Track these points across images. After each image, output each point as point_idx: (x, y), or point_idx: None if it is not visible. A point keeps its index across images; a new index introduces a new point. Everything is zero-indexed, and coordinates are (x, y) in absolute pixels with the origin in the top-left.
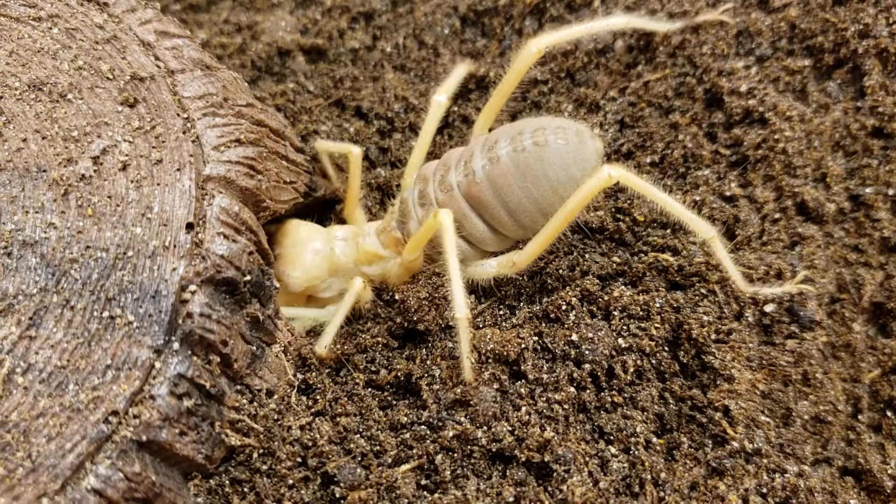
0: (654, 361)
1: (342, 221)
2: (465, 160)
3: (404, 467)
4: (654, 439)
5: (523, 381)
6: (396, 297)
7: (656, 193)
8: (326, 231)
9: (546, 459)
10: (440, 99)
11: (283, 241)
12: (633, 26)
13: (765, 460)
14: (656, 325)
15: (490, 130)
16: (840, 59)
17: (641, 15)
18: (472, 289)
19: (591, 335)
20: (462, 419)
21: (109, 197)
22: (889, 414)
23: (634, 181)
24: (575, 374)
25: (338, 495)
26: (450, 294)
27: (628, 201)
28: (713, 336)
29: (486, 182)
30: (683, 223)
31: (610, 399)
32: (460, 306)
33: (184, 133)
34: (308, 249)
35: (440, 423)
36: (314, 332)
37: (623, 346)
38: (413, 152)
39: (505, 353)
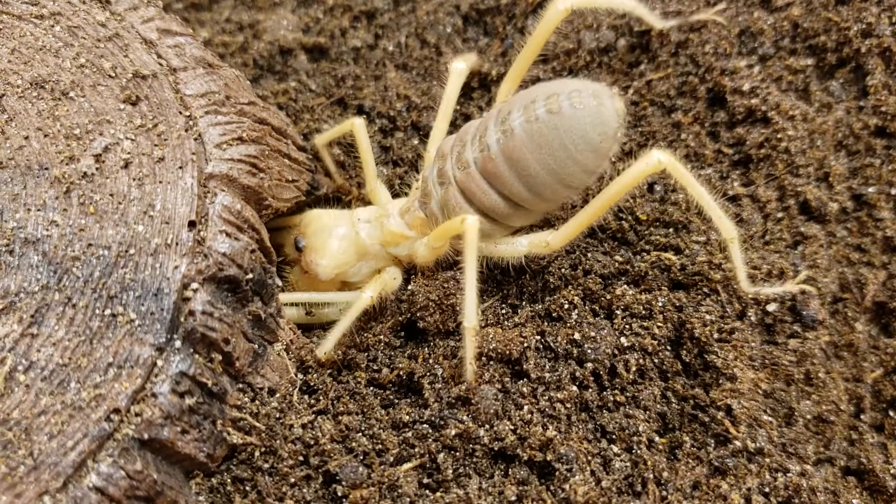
0: (656, 360)
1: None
2: (479, 134)
3: (406, 466)
4: (657, 438)
5: (525, 379)
6: (409, 287)
7: (697, 188)
8: (350, 214)
9: (548, 458)
10: (460, 66)
11: (307, 232)
12: (638, 13)
13: (767, 460)
14: (659, 324)
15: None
16: (843, 58)
17: (648, 7)
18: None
19: (593, 334)
20: (464, 418)
21: (111, 195)
22: (892, 414)
23: (680, 170)
24: (577, 373)
25: (339, 494)
26: (462, 301)
27: (631, 200)
28: (716, 335)
29: (501, 157)
30: (711, 218)
31: (612, 398)
32: (470, 316)
33: (186, 131)
34: (333, 236)
35: (442, 422)
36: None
37: (625, 345)
38: (435, 125)
39: (507, 352)
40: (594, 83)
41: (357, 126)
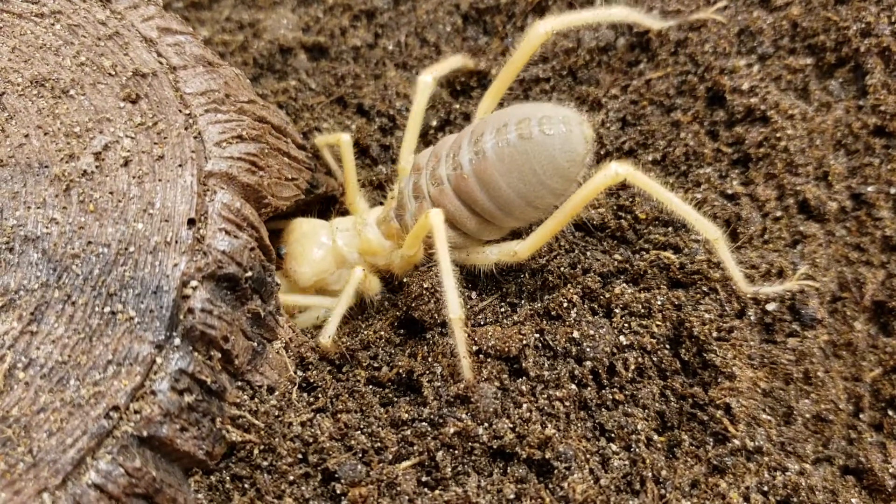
0: (655, 359)
1: (345, 213)
2: (454, 152)
3: (405, 464)
4: (656, 437)
5: (524, 378)
6: (404, 281)
7: (663, 192)
8: (329, 224)
9: (547, 456)
10: (426, 79)
11: (288, 239)
12: (631, 20)
13: (766, 458)
14: (658, 322)
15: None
16: (842, 57)
17: (640, 11)
18: (475, 277)
19: (592, 332)
20: (463, 416)
21: (111, 193)
22: (890, 413)
23: (642, 179)
24: (576, 372)
25: (338, 492)
26: (443, 295)
27: (630, 199)
28: (714, 334)
29: (473, 177)
30: (689, 223)
31: (611, 396)
32: (454, 307)
33: (186, 129)
34: (313, 244)
35: (441, 420)
36: (316, 329)
37: (624, 343)
38: (404, 139)
39: (506, 350)
40: (565, 108)
41: (344, 142)
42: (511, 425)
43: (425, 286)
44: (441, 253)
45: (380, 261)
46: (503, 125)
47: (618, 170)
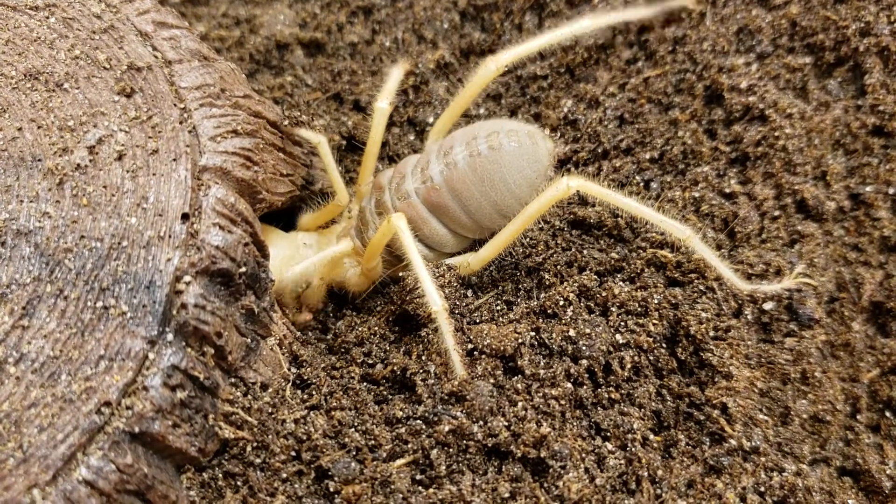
0: (651, 358)
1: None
2: (421, 167)
3: (399, 462)
4: (652, 436)
5: (520, 376)
6: (400, 274)
7: (621, 199)
8: (294, 237)
9: (542, 455)
10: (382, 105)
11: None
12: (599, 26)
13: (762, 459)
14: (654, 321)
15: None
16: (841, 56)
17: (608, 9)
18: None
19: (588, 331)
20: (458, 414)
21: (105, 187)
22: (888, 414)
23: (595, 189)
24: (572, 370)
25: (332, 489)
26: (421, 290)
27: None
28: (711, 333)
29: (445, 187)
30: (657, 227)
31: (607, 395)
32: (435, 299)
33: (180, 123)
34: (276, 256)
35: (436, 418)
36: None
37: (620, 342)
38: (363, 162)
39: (501, 349)
40: (528, 125)
41: (322, 146)
42: (506, 423)
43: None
44: (410, 251)
45: (335, 277)
46: (472, 138)
47: (569, 183)
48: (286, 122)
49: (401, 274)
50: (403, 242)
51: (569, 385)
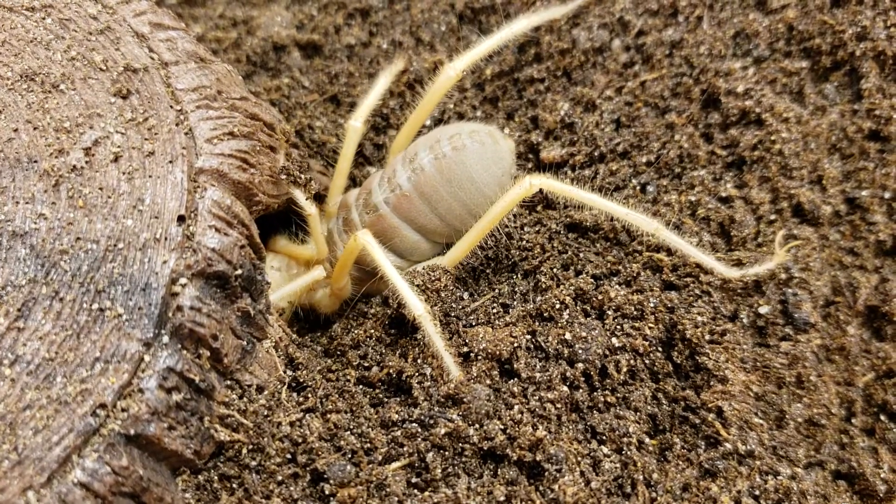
0: (647, 361)
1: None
2: (388, 177)
3: (395, 465)
4: (647, 440)
5: (516, 379)
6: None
7: (585, 196)
8: (267, 259)
9: (538, 458)
10: (356, 125)
11: None
12: (533, 25)
13: (758, 462)
14: (650, 324)
15: None
16: (837, 61)
17: (540, 8)
18: (467, 278)
19: (584, 334)
20: (454, 417)
21: (101, 188)
22: (882, 418)
23: (558, 187)
24: (568, 374)
25: (327, 492)
26: (400, 299)
27: (624, 201)
28: (707, 337)
29: (415, 192)
30: (624, 222)
31: (603, 399)
32: (415, 305)
33: (177, 125)
34: None
35: (431, 421)
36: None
37: (616, 345)
38: (333, 181)
39: (497, 352)
40: (487, 125)
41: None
42: (502, 427)
43: (416, 283)
44: (382, 262)
45: (305, 299)
46: (435, 142)
47: (532, 181)
48: (283, 176)
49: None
50: (374, 256)
51: (565, 388)
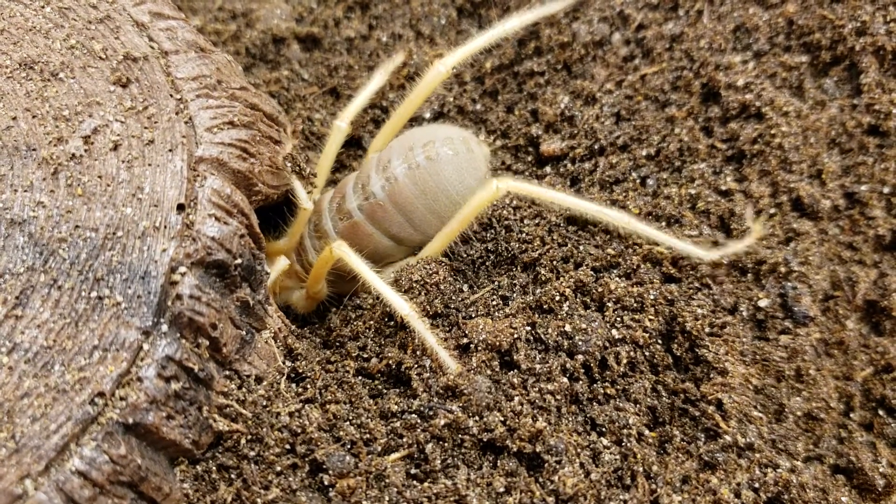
0: (647, 354)
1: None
2: (361, 183)
3: (394, 456)
4: (647, 432)
5: (515, 371)
6: (391, 273)
7: (552, 195)
8: None
9: (538, 450)
10: (341, 125)
11: None
12: (526, 23)
13: (757, 455)
14: (650, 317)
15: None
16: (837, 56)
17: (536, 4)
18: (466, 271)
19: (584, 326)
20: (454, 408)
21: (100, 177)
22: (881, 413)
23: (525, 189)
24: (568, 365)
25: (326, 483)
26: (385, 301)
27: (623, 193)
28: (707, 329)
29: (389, 202)
30: (594, 219)
31: (602, 391)
32: (400, 306)
33: (176, 114)
34: None
35: (431, 412)
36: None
37: (616, 337)
38: (316, 179)
39: (497, 343)
40: (462, 130)
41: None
42: (502, 418)
43: (415, 279)
44: (363, 272)
45: (281, 299)
46: (409, 149)
47: (498, 185)
48: (287, 163)
49: (392, 274)
50: (353, 266)
51: (564, 380)
